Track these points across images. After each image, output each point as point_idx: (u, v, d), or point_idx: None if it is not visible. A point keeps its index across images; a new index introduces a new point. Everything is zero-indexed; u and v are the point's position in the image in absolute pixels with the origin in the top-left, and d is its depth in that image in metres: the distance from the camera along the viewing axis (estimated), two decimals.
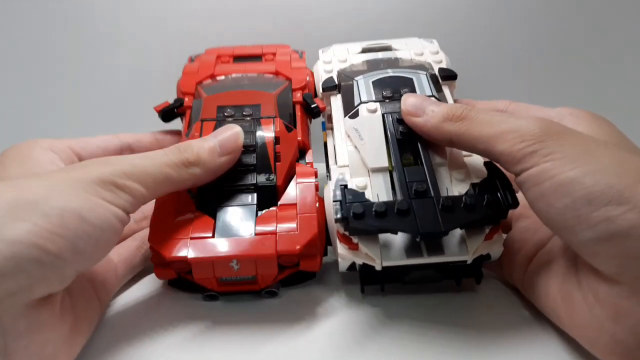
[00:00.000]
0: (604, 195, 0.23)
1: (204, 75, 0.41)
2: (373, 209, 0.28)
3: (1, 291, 0.21)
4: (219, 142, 0.31)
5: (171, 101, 0.39)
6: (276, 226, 0.30)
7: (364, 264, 0.30)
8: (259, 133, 0.34)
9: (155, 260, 0.30)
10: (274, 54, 0.44)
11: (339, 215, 0.28)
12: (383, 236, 0.30)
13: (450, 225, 0.28)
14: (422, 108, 0.31)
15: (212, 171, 0.30)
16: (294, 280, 0.32)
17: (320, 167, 0.38)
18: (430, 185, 0.30)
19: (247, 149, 0.33)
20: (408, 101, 0.32)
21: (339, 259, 0.30)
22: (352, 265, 0.31)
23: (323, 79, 0.40)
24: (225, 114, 0.35)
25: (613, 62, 0.57)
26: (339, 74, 0.41)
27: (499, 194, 0.29)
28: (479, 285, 0.32)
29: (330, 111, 0.39)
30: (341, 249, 0.30)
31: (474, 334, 0.29)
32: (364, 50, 0.44)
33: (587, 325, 0.25)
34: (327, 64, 0.43)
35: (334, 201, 0.29)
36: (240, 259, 0.29)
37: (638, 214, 0.22)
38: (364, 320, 0.31)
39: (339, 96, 0.39)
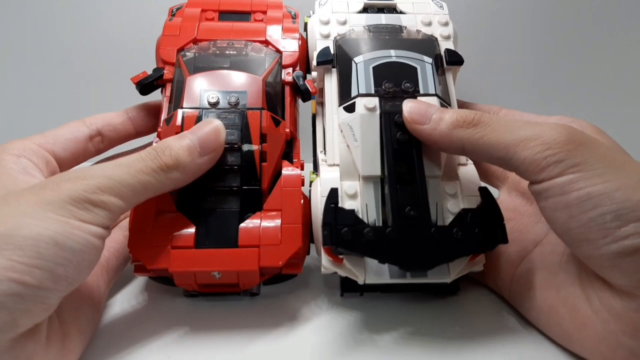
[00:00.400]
0: (636, 211, 0.23)
1: (186, 39, 0.37)
2: (363, 236, 0.28)
3: None
4: (198, 140, 0.29)
5: (149, 70, 0.36)
6: (259, 237, 0.29)
7: (346, 278, 0.30)
8: (244, 131, 0.32)
9: (136, 263, 0.30)
10: (264, 12, 0.40)
11: (328, 241, 0.28)
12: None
13: (438, 261, 0.28)
14: (427, 115, 0.29)
15: (192, 173, 0.29)
16: (276, 279, 0.33)
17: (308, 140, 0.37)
18: (422, 209, 0.29)
19: (232, 146, 0.31)
20: (412, 109, 0.30)
21: (322, 268, 0.30)
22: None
23: (318, 46, 0.37)
24: (209, 100, 0.33)
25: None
26: (337, 43, 0.37)
27: (490, 228, 0.29)
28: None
29: (323, 85, 0.36)
30: (325, 260, 0.30)
31: (457, 336, 0.30)
32: (366, 8, 0.40)
33: (600, 340, 0.26)
34: (324, 25, 0.38)
35: (323, 224, 0.28)
36: (223, 271, 0.29)
37: None
38: (345, 321, 0.31)
39: (335, 73, 0.35)
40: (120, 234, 0.33)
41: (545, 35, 0.54)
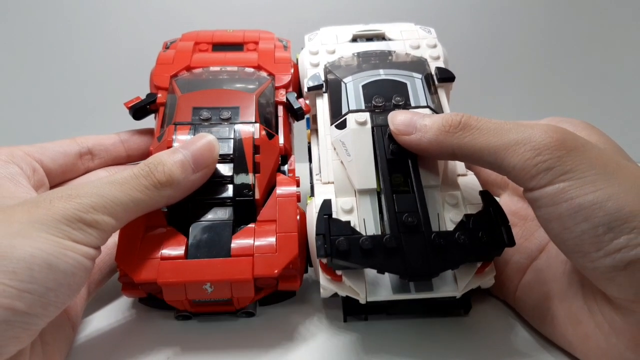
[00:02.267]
0: (628, 223, 0.22)
1: (179, 66, 0.37)
2: (359, 246, 0.26)
3: None
4: (192, 155, 0.28)
5: (143, 96, 0.36)
6: (253, 247, 0.28)
7: (347, 299, 0.28)
8: (237, 141, 0.31)
9: (124, 280, 0.28)
10: (257, 43, 0.41)
11: (322, 252, 0.26)
12: (369, 270, 0.28)
13: (441, 267, 0.26)
14: (413, 125, 0.28)
15: (185, 190, 0.28)
16: (273, 299, 0.31)
17: (304, 168, 0.36)
18: (421, 216, 0.27)
19: (224, 158, 0.31)
20: (396, 120, 0.29)
21: (321, 289, 0.29)
22: (335, 293, 0.29)
23: (309, 74, 0.37)
24: (202, 117, 0.32)
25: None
26: (327, 69, 0.37)
27: (495, 231, 0.27)
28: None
29: (316, 112, 0.36)
30: (323, 279, 0.28)
31: (466, 356, 0.28)
32: (355, 38, 0.40)
33: (604, 354, 0.25)
34: (314, 55, 0.39)
35: (317, 234, 0.27)
36: (214, 282, 0.27)
37: None
38: (346, 342, 0.29)
39: (326, 96, 0.35)
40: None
41: (542, 37, 0.55)
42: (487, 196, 0.29)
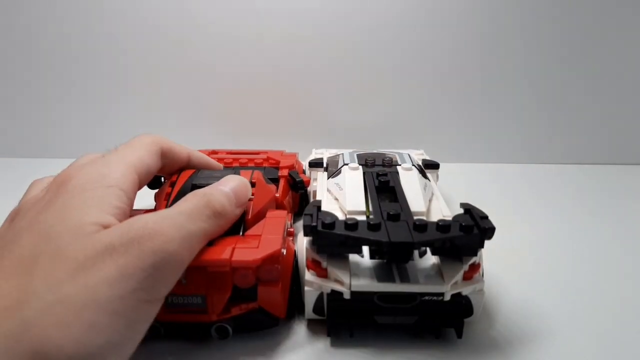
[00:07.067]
0: None
1: None
2: (344, 221, 0.26)
3: None
4: (233, 191, 0.28)
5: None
6: (235, 240, 0.28)
7: (332, 299, 0.27)
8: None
9: None
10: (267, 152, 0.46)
11: (308, 229, 0.26)
12: (353, 263, 0.28)
13: (422, 239, 0.25)
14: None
15: (229, 223, 0.27)
16: (252, 324, 0.28)
17: None
18: (402, 210, 0.29)
19: None
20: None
21: (306, 287, 0.28)
22: (320, 308, 0.28)
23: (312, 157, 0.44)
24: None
25: None
26: (328, 159, 0.43)
27: (474, 221, 0.26)
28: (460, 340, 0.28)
29: (316, 187, 0.40)
30: (309, 276, 0.27)
31: None
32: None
33: None
34: (319, 154, 0.47)
35: (304, 214, 0.27)
36: (189, 267, 0.26)
37: None
38: None
39: (325, 173, 0.40)
40: None
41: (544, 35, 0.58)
42: (467, 205, 0.29)
